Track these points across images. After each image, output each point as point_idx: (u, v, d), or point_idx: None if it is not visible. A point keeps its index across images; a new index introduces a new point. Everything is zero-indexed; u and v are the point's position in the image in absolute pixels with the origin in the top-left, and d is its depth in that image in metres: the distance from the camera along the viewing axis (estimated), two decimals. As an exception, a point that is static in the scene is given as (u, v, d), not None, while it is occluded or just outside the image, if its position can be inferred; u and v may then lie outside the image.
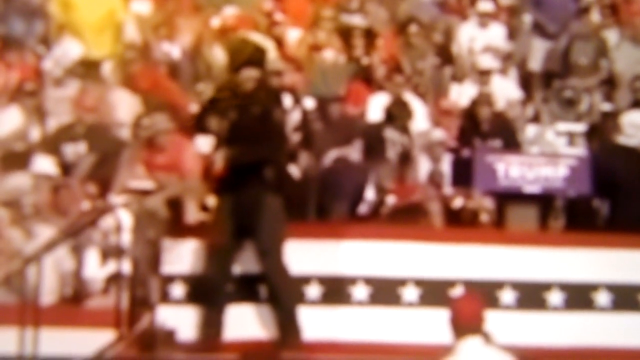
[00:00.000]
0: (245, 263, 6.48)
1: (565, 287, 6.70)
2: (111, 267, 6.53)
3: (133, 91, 8.18)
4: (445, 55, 9.43)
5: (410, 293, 6.56)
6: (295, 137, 7.74)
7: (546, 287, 6.69)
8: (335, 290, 6.49)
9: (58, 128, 7.78)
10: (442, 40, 9.50)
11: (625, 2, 9.83)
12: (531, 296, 6.66)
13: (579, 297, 6.71)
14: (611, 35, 9.64)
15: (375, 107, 8.40)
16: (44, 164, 7.34)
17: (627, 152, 7.52)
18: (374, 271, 6.55)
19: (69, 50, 8.37)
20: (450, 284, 6.53)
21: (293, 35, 9.22)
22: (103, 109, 7.83)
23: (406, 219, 7.24)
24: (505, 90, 9.05)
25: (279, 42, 8.88)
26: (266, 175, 6.43)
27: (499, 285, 6.63)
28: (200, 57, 8.70)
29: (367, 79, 8.84)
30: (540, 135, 8.56)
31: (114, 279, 6.39)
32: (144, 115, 7.62)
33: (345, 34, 9.13)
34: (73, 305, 6.56)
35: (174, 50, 8.70)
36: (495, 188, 7.15)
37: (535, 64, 9.61)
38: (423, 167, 8.03)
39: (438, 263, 6.62)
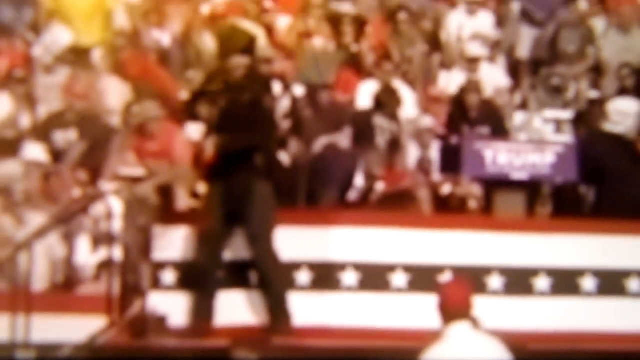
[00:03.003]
0: (235, 249, 6.49)
1: (552, 273, 6.74)
2: (102, 253, 6.53)
3: (123, 78, 8.17)
4: (434, 42, 9.44)
5: (399, 279, 6.59)
6: (285, 124, 7.75)
7: (533, 272, 6.73)
8: (325, 276, 6.50)
9: (48, 115, 7.76)
10: (431, 28, 9.51)
11: (612, -10, 9.87)
12: (518, 282, 6.70)
13: (565, 282, 6.75)
14: (598, 23, 9.66)
15: (365, 94, 8.40)
16: (35, 151, 7.33)
17: (614, 139, 7.53)
18: (363, 257, 6.57)
19: (59, 37, 8.34)
20: (439, 269, 6.56)
21: (283, 22, 9.22)
22: (93, 96, 7.82)
23: (395, 206, 7.27)
24: (494, 78, 9.07)
25: (269, 30, 8.88)
26: (256, 162, 6.44)
27: (486, 270, 6.67)
28: (190, 45, 8.69)
29: (356, 67, 8.84)
30: (527, 122, 8.60)
31: (105, 265, 6.39)
32: (134, 103, 7.61)
33: (334, 21, 9.13)
34: (64, 292, 6.56)
35: (163, 37, 8.69)
36: (483, 175, 7.16)
37: (523, 51, 9.63)
38: (412, 153, 8.05)
39: (426, 249, 6.65)
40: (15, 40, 8.38)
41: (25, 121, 7.76)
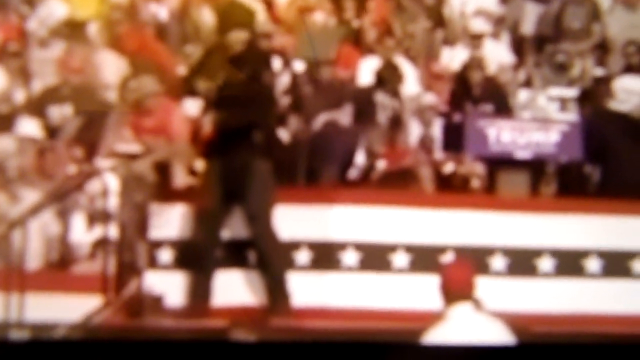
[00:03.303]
0: (233, 228, 6.46)
1: (556, 254, 6.72)
2: (98, 231, 6.49)
3: (120, 53, 8.09)
4: (437, 18, 9.35)
5: (400, 259, 6.56)
6: (284, 101, 7.69)
7: (537, 253, 6.71)
8: (325, 256, 6.47)
9: (43, 90, 7.69)
10: (433, 3, 9.42)
11: (618, -34, 9.75)
12: (522, 262, 6.68)
13: (569, 263, 6.73)
14: (604, 0, 9.58)
15: (366, 70, 8.33)
16: (29, 126, 7.27)
17: (619, 117, 7.49)
18: (364, 237, 6.54)
19: (54, 10, 8.26)
20: (441, 250, 6.53)
21: (283, -3, 9.11)
22: (89, 71, 7.74)
23: (397, 184, 7.21)
24: (497, 55, 8.99)
25: (269, 4, 8.79)
26: (255, 138, 6.40)
27: (489, 251, 6.65)
28: (188, 19, 8.60)
29: (357, 42, 8.78)
30: (532, 100, 8.52)
31: (101, 243, 6.36)
32: (131, 78, 7.55)
33: (335, -4, 9.04)
34: (59, 270, 6.52)
35: (161, 11, 8.60)
36: (486, 153, 7.12)
37: (528, 28, 9.55)
38: (414, 131, 7.99)
39: (428, 229, 6.62)
40: (9, 13, 8.30)
41: (20, 96, 7.69)
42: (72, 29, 8.18)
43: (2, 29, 8.09)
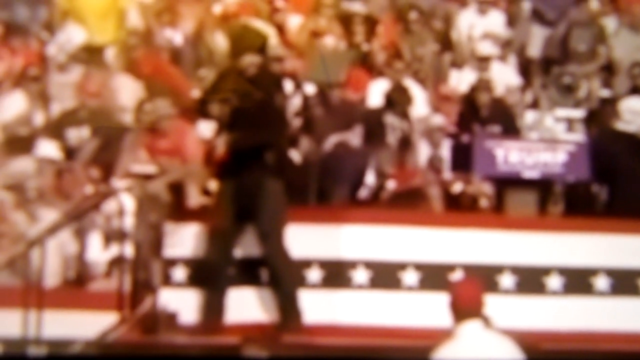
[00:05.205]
0: (246, 246, 6.51)
1: (564, 272, 6.72)
2: (114, 250, 6.57)
3: (136, 76, 8.21)
4: (445, 41, 9.44)
5: (410, 277, 6.59)
6: (296, 122, 7.76)
7: (545, 271, 6.71)
8: (336, 274, 6.51)
9: (62, 113, 7.82)
10: (441, 27, 9.52)
11: (623, -11, 9.86)
12: (530, 280, 6.68)
13: (578, 281, 6.73)
14: (609, 22, 9.64)
15: (376, 92, 8.40)
16: (48, 148, 7.38)
17: (626, 137, 7.54)
18: (374, 255, 6.57)
19: (73, 35, 8.40)
20: (450, 268, 6.55)
21: (294, 21, 9.24)
22: (106, 94, 7.87)
23: (406, 204, 7.25)
24: (505, 77, 9.06)
25: (280, 29, 8.90)
26: (267, 159, 6.46)
27: (498, 269, 6.66)
28: (202, 43, 8.73)
29: (367, 65, 8.84)
30: (539, 121, 8.58)
31: (117, 262, 6.43)
32: (146, 101, 7.65)
33: (345, 20, 9.15)
34: (76, 288, 6.61)
35: (176, 36, 8.72)
36: (494, 173, 7.16)
37: (534, 50, 9.62)
38: (423, 152, 8.05)
39: (438, 247, 6.64)
40: (30, 39, 8.45)
41: (39, 119, 7.82)
42: (90, 54, 8.32)
43: (23, 55, 8.23)
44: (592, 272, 6.77)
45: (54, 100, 7.98)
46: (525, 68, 9.50)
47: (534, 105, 9.01)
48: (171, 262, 6.54)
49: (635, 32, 9.47)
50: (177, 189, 6.97)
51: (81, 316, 6.09)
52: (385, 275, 6.56)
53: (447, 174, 7.81)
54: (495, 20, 9.56)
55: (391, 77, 8.59)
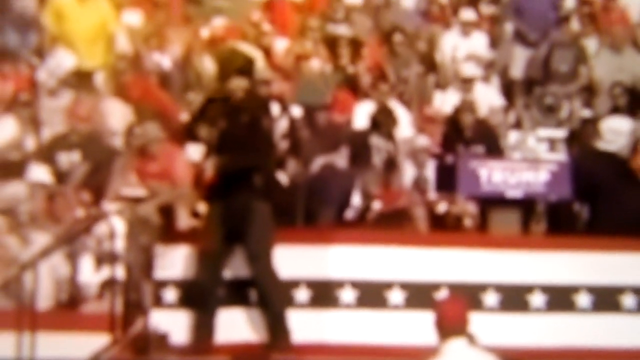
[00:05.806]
0: (235, 268, 6.57)
1: (547, 289, 6.77)
2: (105, 272, 6.57)
3: (125, 101, 8.25)
4: (429, 63, 9.54)
5: (396, 296, 6.64)
6: (283, 145, 7.83)
7: (528, 289, 6.77)
8: (323, 294, 6.57)
9: (52, 137, 7.82)
10: (425, 49, 9.62)
11: (604, 10, 10.00)
12: (514, 298, 6.74)
13: (560, 298, 6.78)
14: (590, 43, 9.77)
15: (361, 114, 8.47)
16: (39, 172, 7.38)
17: (607, 157, 7.60)
18: (361, 275, 6.63)
19: (63, 61, 8.42)
20: (435, 287, 6.61)
21: (280, 45, 9.36)
22: (96, 119, 7.89)
23: (392, 224, 7.31)
24: (488, 98, 9.15)
25: (267, 52, 8.99)
26: (255, 182, 6.52)
27: (482, 287, 6.71)
28: (190, 67, 8.80)
29: (352, 88, 8.92)
30: (522, 141, 8.66)
31: (108, 284, 6.45)
32: (135, 124, 7.68)
33: (331, 43, 9.26)
34: (68, 310, 6.60)
35: (164, 60, 8.79)
36: (478, 193, 7.23)
37: (517, 71, 9.73)
38: (408, 173, 8.10)
39: (423, 267, 6.70)
40: (20, 65, 8.45)
41: (30, 143, 7.82)
42: (80, 79, 8.37)
43: (14, 80, 8.23)
44: (574, 289, 6.82)
45: (44, 125, 7.98)
46: (508, 89, 9.61)
47: (517, 125, 9.11)
48: (162, 284, 6.59)
49: (616, 53, 9.57)
50: (167, 212, 7.01)
51: (74, 338, 6.12)
52: (371, 295, 6.61)
53: (432, 194, 7.87)
54: (478, 42, 9.69)
55: (376, 99, 8.66)
